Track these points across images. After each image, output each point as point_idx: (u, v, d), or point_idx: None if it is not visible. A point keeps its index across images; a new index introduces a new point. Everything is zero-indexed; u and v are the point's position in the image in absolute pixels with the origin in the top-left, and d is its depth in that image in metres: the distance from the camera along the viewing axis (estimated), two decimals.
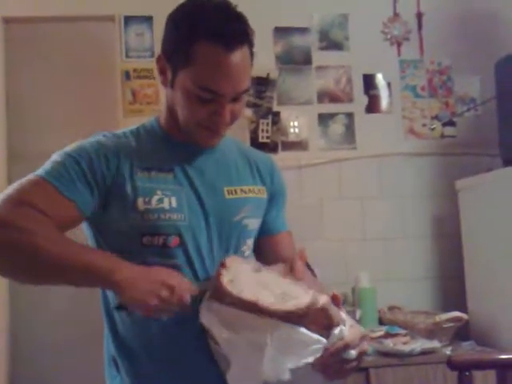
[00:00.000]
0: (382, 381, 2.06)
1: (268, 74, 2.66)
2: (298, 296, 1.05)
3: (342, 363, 1.06)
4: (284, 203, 1.40)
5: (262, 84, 2.66)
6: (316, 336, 1.03)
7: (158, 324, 1.16)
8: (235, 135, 2.50)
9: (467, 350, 2.17)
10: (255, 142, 2.59)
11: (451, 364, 1.47)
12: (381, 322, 2.40)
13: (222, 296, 1.05)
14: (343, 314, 1.08)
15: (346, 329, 1.05)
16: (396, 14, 2.78)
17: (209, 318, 1.07)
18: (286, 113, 2.66)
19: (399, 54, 2.77)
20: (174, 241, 1.16)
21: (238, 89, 1.14)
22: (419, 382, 2.07)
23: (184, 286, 1.08)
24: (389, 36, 2.78)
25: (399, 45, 2.78)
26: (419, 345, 2.10)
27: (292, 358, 1.00)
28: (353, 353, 1.05)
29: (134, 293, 1.04)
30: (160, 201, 1.16)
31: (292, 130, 2.66)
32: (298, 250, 2.39)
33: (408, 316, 2.34)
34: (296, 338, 1.02)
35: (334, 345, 1.03)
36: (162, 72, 1.21)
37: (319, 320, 1.04)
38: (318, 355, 1.02)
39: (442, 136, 2.74)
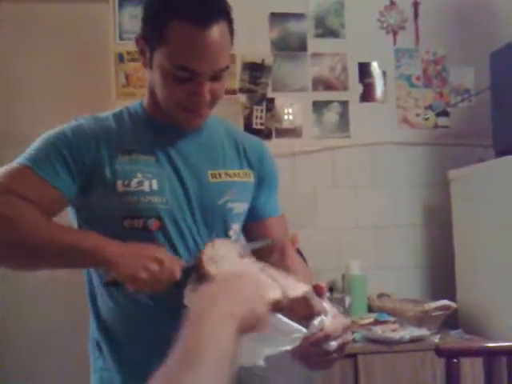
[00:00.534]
0: (370, 367, 2.08)
1: (263, 60, 2.66)
2: (278, 285, 1.03)
3: (323, 354, 1.04)
4: (275, 187, 1.38)
5: (257, 70, 2.65)
6: (296, 325, 1.01)
7: (141, 308, 1.16)
8: (228, 121, 2.52)
9: (455, 338, 2.19)
10: (249, 128, 2.58)
11: (439, 351, 1.49)
12: (370, 310, 2.41)
13: (202, 276, 1.05)
14: (326, 304, 1.07)
15: (328, 319, 1.04)
16: (392, 3, 2.78)
17: (191, 299, 1.04)
18: (280, 99, 2.66)
19: (395, 43, 2.77)
20: (154, 224, 1.16)
21: (215, 67, 1.12)
22: (407, 369, 2.09)
23: (173, 261, 1.08)
24: (385, 24, 2.77)
25: (395, 33, 2.77)
26: (408, 332, 2.11)
27: (269, 345, 0.98)
28: (333, 344, 1.03)
29: (125, 267, 1.05)
30: (140, 183, 1.16)
31: (286, 117, 2.66)
32: (290, 236, 2.42)
33: (397, 304, 2.36)
34: (274, 326, 0.99)
35: (314, 335, 1.01)
36: (142, 53, 1.19)
37: (300, 309, 1.02)
38: (297, 344, 1.00)
39: (436, 126, 2.75)
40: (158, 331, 1.15)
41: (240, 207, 1.27)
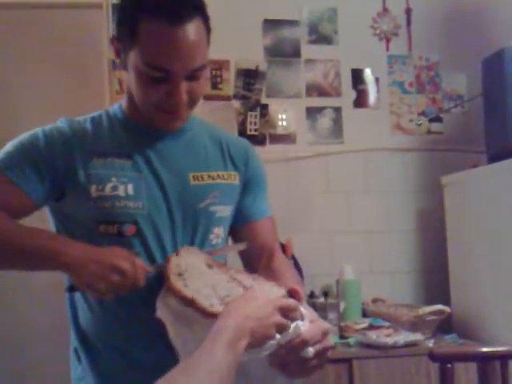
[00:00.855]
0: (365, 372, 2.08)
1: (257, 67, 2.67)
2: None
3: (302, 361, 0.99)
4: (263, 188, 1.35)
5: (251, 76, 2.66)
6: None
7: (116, 315, 1.15)
8: (222, 127, 2.52)
9: (449, 343, 2.19)
10: (243, 134, 2.59)
11: (433, 356, 1.49)
12: (364, 315, 2.41)
13: (169, 289, 1.03)
14: (303, 309, 1.03)
15: (305, 324, 0.99)
16: (385, 9, 2.79)
17: (163, 312, 1.03)
18: (274, 105, 2.67)
19: (387, 50, 2.78)
20: (129, 229, 1.13)
21: (189, 65, 1.08)
22: (402, 374, 2.09)
23: (137, 269, 1.05)
24: (378, 31, 2.79)
25: (388, 40, 2.79)
26: (402, 337, 2.11)
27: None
28: (311, 350, 0.98)
29: (82, 275, 1.03)
30: (114, 188, 1.13)
31: (280, 123, 2.66)
32: (285, 241, 2.43)
33: (391, 308, 2.36)
34: None
35: (290, 342, 0.97)
36: (118, 54, 1.17)
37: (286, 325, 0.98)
38: (271, 351, 0.97)
39: (429, 132, 2.77)
40: (132, 339, 1.14)
41: (224, 210, 1.24)
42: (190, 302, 0.98)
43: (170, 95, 1.10)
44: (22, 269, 1.14)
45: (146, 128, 1.20)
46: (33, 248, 1.05)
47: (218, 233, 1.23)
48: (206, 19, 1.13)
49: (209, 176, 1.22)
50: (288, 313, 0.98)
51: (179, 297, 0.99)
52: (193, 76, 1.11)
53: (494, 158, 2.37)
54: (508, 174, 2.21)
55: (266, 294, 1.00)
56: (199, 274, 1.05)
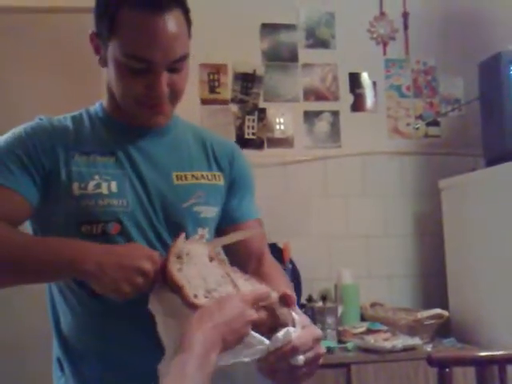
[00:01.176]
0: (364, 377, 2.07)
1: (254, 71, 2.67)
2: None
3: (292, 369, 0.95)
4: (249, 189, 1.31)
5: (249, 80, 2.66)
6: (257, 336, 0.95)
7: (103, 321, 1.11)
8: (220, 131, 2.53)
9: (448, 347, 2.19)
10: (241, 138, 2.59)
11: (431, 361, 1.49)
12: (363, 319, 2.41)
13: (164, 269, 0.99)
14: (295, 315, 1.00)
15: (296, 330, 0.97)
16: (382, 13, 2.80)
17: (156, 303, 1.01)
18: (272, 109, 2.67)
19: (385, 53, 2.79)
20: (114, 228, 1.10)
21: (170, 55, 1.07)
22: (400, 378, 2.08)
23: (158, 266, 1.01)
24: (375, 35, 2.79)
25: (385, 44, 2.79)
26: (400, 341, 2.11)
27: (225, 355, 0.91)
28: (301, 358, 0.95)
29: (106, 281, 0.99)
30: (97, 186, 1.10)
31: (278, 127, 2.66)
32: (282, 245, 2.43)
33: (389, 313, 2.36)
34: None
35: (280, 348, 0.94)
36: (97, 51, 1.15)
37: (265, 319, 0.97)
38: (257, 357, 0.94)
39: (426, 135, 2.77)
40: (122, 347, 1.10)
41: (208, 211, 1.21)
42: (177, 287, 0.95)
43: (151, 88, 1.08)
44: (36, 281, 1.08)
45: (128, 125, 1.17)
46: (49, 260, 1.01)
47: (203, 234, 1.20)
48: (186, 11, 1.11)
49: (192, 176, 1.20)
50: (261, 302, 0.96)
51: (170, 279, 0.97)
52: (174, 68, 1.09)
53: (491, 162, 2.37)
54: (506, 178, 2.21)
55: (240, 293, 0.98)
56: (197, 263, 1.03)
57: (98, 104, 1.23)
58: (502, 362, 1.49)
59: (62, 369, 1.16)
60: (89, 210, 1.09)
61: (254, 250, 1.26)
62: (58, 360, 1.17)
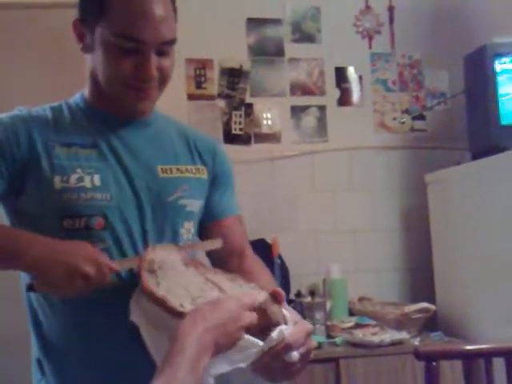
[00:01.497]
0: (352, 371, 2.08)
1: (241, 66, 2.66)
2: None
3: (286, 365, 0.95)
4: (231, 185, 1.31)
5: (235, 75, 2.65)
6: (251, 338, 0.93)
7: (87, 319, 1.09)
8: (207, 127, 2.51)
9: (435, 341, 2.21)
10: (228, 134, 2.58)
11: (418, 355, 1.50)
12: (351, 313, 2.42)
13: (143, 290, 0.98)
14: (286, 312, 1.00)
15: (289, 327, 0.96)
16: (368, 7, 2.80)
17: (137, 315, 0.99)
18: (258, 105, 2.66)
19: (370, 47, 2.78)
20: (97, 222, 1.08)
21: (160, 36, 1.08)
22: (389, 372, 2.10)
23: (103, 270, 1.00)
24: (360, 29, 2.79)
25: (370, 38, 2.79)
26: (388, 336, 2.12)
27: (219, 362, 0.89)
28: (295, 355, 0.95)
29: (46, 278, 0.99)
30: (80, 179, 1.08)
31: (265, 122, 2.66)
32: (271, 241, 2.43)
33: (377, 307, 2.37)
34: None
35: (274, 347, 0.93)
36: (80, 38, 1.15)
37: (257, 320, 0.95)
38: (253, 360, 0.93)
39: (412, 130, 2.77)
40: (105, 348, 1.08)
41: (193, 205, 1.20)
42: (159, 302, 0.93)
43: (139, 68, 1.09)
44: None
45: (110, 115, 1.16)
46: None
47: (189, 227, 1.20)
48: (173, 0, 1.14)
49: (177, 169, 1.19)
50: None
51: (150, 295, 0.95)
52: (162, 51, 1.10)
53: (477, 155, 2.38)
54: (491, 171, 2.23)
55: (236, 296, 0.96)
56: (173, 273, 1.01)
57: (79, 95, 1.21)
58: (488, 355, 1.51)
59: (42, 371, 1.14)
60: (71, 203, 1.07)
61: (236, 247, 1.26)
62: (38, 361, 1.15)
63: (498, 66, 2.33)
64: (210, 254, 1.26)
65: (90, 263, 0.99)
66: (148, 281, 0.97)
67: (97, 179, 1.09)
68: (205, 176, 1.25)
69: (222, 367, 0.90)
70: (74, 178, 1.08)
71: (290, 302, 2.18)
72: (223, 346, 0.89)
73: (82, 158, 1.11)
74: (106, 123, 1.16)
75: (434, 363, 1.48)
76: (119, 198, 1.11)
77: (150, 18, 1.06)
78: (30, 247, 1.00)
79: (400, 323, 2.23)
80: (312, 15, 2.75)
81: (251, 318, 0.93)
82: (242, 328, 0.91)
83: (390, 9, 2.81)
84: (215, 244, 1.19)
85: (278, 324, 0.96)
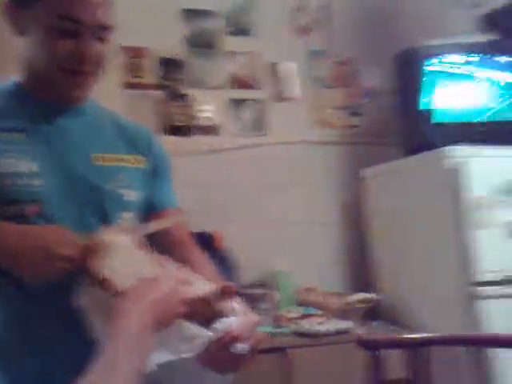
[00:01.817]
0: (299, 360, 2.06)
1: (177, 56, 2.59)
2: None
3: (233, 357, 0.96)
4: (168, 177, 1.29)
5: (172, 65, 2.58)
6: (198, 329, 0.95)
7: (26, 306, 1.04)
8: (144, 116, 2.41)
9: (379, 330, 2.24)
10: (167, 125, 2.51)
11: (361, 343, 1.51)
12: (299, 305, 2.40)
13: (88, 269, 0.96)
14: (235, 304, 1.01)
15: (236, 319, 0.97)
16: (304, 4, 2.82)
17: (86, 299, 0.97)
18: (197, 96, 2.60)
19: (306, 44, 2.80)
20: (32, 209, 1.04)
21: (97, 18, 1.06)
22: (335, 361, 2.09)
23: (81, 251, 0.97)
24: (296, 25, 2.81)
25: (307, 34, 2.81)
26: (333, 325, 2.14)
27: (163, 351, 0.90)
28: (242, 346, 0.95)
29: (24, 265, 0.96)
30: (13, 165, 1.04)
31: (203, 115, 2.61)
32: (215, 233, 2.37)
33: (320, 297, 2.38)
34: (170, 330, 0.91)
35: (221, 338, 0.95)
36: (13, 20, 1.11)
37: (201, 311, 0.96)
38: (199, 351, 0.94)
39: (348, 126, 2.82)
40: (46, 334, 1.04)
41: (131, 194, 1.17)
42: (101, 282, 0.93)
43: (76, 50, 1.07)
44: None
45: (45, 101, 1.13)
46: None
47: (127, 218, 1.16)
48: None
49: (114, 158, 1.17)
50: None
51: (95, 277, 0.93)
52: (99, 36, 1.09)
53: (409, 151, 2.47)
54: (422, 167, 2.32)
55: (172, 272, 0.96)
56: (123, 254, 0.98)
57: (11, 82, 1.16)
58: (431, 344, 1.50)
59: None
60: (5, 189, 1.02)
61: (177, 239, 1.23)
62: None
63: (427, 67, 2.42)
64: (152, 246, 1.19)
65: (71, 246, 0.98)
66: (95, 262, 0.95)
67: (32, 165, 1.05)
68: (141, 166, 1.21)
69: (166, 356, 0.90)
70: (7, 163, 1.03)
71: (237, 294, 2.14)
72: (164, 320, 0.88)
73: (15, 143, 1.06)
74: (40, 110, 1.12)
75: (377, 352, 1.48)
76: (54, 185, 1.07)
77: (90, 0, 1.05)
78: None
79: (344, 313, 2.25)
80: (248, 8, 2.73)
81: (189, 292, 0.94)
82: (181, 302, 0.91)
83: (326, 6, 2.84)
84: (168, 222, 1.18)
85: (224, 315, 0.97)
